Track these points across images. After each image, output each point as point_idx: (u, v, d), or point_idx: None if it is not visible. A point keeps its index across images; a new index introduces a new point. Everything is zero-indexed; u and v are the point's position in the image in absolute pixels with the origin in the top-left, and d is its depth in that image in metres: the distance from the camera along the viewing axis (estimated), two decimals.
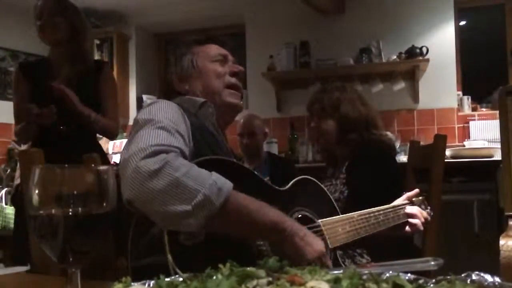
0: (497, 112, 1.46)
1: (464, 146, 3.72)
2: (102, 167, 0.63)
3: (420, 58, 3.82)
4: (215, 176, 0.97)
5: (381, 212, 1.45)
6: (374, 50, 3.98)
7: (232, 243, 1.01)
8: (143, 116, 1.12)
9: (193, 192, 0.92)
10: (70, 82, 2.22)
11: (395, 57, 3.90)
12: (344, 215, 1.37)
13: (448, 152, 3.24)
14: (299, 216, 1.24)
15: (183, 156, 1.04)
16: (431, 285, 0.54)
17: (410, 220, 1.53)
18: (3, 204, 3.44)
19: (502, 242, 1.28)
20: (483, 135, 3.77)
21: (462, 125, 3.93)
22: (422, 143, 2.56)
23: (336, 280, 0.52)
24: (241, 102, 1.41)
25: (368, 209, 1.42)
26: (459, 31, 4.12)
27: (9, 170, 3.92)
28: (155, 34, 5.05)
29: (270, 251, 1.06)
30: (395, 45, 3.96)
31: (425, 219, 1.55)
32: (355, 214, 1.37)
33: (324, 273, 0.55)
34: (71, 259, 0.60)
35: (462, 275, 0.56)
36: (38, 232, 0.60)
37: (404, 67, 3.94)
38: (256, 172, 1.24)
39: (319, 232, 1.23)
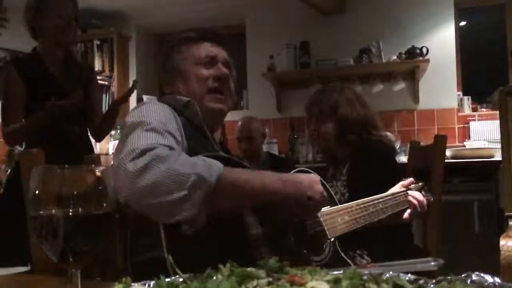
0: (497, 112, 1.46)
1: (464, 146, 3.72)
2: (102, 168, 0.63)
3: (420, 58, 3.82)
4: (204, 157, 0.99)
5: (380, 200, 1.45)
6: (374, 51, 3.98)
7: (232, 239, 1.01)
8: (132, 118, 1.11)
9: (186, 176, 0.93)
10: (66, 84, 2.22)
11: (395, 57, 3.90)
12: (343, 205, 1.37)
13: (448, 153, 3.24)
14: None
15: None
16: (431, 286, 0.54)
17: (410, 199, 1.53)
18: None
19: (502, 242, 1.28)
20: (483, 135, 3.77)
21: (462, 125, 3.92)
22: (422, 143, 2.56)
23: (336, 281, 0.52)
24: (224, 106, 1.33)
25: (367, 198, 1.42)
26: (459, 31, 4.12)
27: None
28: (155, 35, 5.05)
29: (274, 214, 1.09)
30: (395, 46, 3.96)
31: (422, 204, 1.54)
32: (353, 203, 1.38)
33: (324, 274, 0.55)
34: (71, 259, 0.60)
35: (462, 275, 0.56)
36: (38, 232, 0.60)
37: (404, 68, 3.94)
38: (250, 167, 1.24)
39: (317, 224, 1.24)
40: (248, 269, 0.55)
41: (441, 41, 3.95)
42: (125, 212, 0.98)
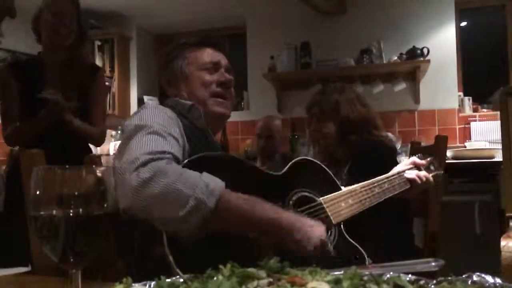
0: (498, 113, 1.46)
1: (465, 147, 3.72)
2: (103, 168, 0.63)
3: (421, 58, 3.82)
4: (205, 177, 0.99)
5: (385, 180, 1.45)
6: (375, 51, 3.98)
7: (232, 240, 1.02)
8: (134, 121, 1.12)
9: (185, 198, 0.94)
10: (64, 87, 2.20)
11: (396, 57, 3.89)
12: (346, 189, 1.37)
13: (449, 153, 3.24)
14: (299, 197, 1.23)
15: (176, 160, 1.05)
16: (432, 286, 0.54)
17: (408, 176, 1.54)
18: None
19: (503, 243, 1.28)
20: (484, 136, 3.77)
21: (463, 126, 3.92)
22: (423, 144, 2.56)
23: (337, 281, 0.52)
24: (227, 110, 1.37)
25: (371, 180, 1.42)
26: (460, 31, 4.12)
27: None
28: (156, 36, 5.05)
29: (271, 245, 1.07)
30: (396, 46, 3.95)
31: (427, 180, 1.55)
32: (357, 186, 1.38)
33: (324, 274, 0.55)
34: (71, 260, 0.60)
35: (463, 276, 0.56)
36: (39, 233, 0.60)
37: (405, 68, 3.94)
38: (249, 161, 1.24)
39: (321, 211, 1.24)
40: (249, 269, 0.55)
41: (442, 41, 3.95)
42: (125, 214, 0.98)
